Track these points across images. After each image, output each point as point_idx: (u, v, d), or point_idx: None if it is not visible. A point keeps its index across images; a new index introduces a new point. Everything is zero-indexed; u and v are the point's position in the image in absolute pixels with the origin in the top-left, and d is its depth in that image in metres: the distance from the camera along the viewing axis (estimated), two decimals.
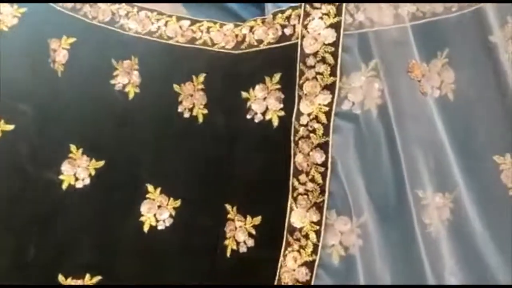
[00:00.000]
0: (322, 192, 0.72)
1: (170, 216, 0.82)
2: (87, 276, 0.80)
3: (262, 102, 0.77)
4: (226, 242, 0.78)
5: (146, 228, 0.81)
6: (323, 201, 0.71)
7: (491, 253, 0.71)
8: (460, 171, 0.72)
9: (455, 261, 0.69)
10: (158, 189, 0.83)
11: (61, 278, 0.80)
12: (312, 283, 0.70)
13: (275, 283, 0.73)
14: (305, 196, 0.73)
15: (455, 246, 0.71)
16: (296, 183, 0.74)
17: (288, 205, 0.74)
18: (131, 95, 0.86)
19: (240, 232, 0.77)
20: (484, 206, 0.73)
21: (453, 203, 0.73)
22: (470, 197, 0.72)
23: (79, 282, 0.80)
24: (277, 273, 0.73)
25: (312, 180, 0.72)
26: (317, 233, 0.71)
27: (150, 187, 0.83)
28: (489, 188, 0.74)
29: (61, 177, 0.84)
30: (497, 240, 0.71)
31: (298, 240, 0.72)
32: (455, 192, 0.72)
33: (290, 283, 0.71)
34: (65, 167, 0.85)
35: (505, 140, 0.74)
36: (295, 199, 0.74)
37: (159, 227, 0.82)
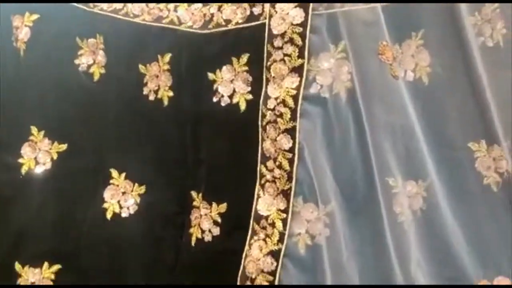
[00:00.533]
0: (290, 179, 0.69)
1: (135, 203, 0.79)
2: (46, 264, 0.77)
3: (229, 84, 0.73)
4: (191, 230, 0.75)
5: (109, 215, 0.78)
6: (290, 188, 0.69)
7: (463, 249, 0.69)
8: (433, 160, 0.70)
9: (423, 253, 0.67)
10: (123, 175, 0.79)
11: (17, 266, 0.77)
12: (277, 273, 0.68)
13: (240, 273, 0.70)
14: (273, 183, 0.70)
15: (424, 237, 0.69)
16: (263, 170, 0.71)
17: (255, 192, 0.71)
18: (96, 77, 0.82)
19: (205, 220, 0.74)
20: (458, 195, 0.71)
21: (427, 191, 0.70)
22: (442, 186, 0.70)
23: (36, 271, 0.77)
24: (242, 263, 0.70)
25: (280, 166, 0.69)
26: (284, 221, 0.69)
27: (114, 173, 0.80)
28: (463, 177, 0.72)
29: (20, 160, 0.81)
30: (469, 232, 0.69)
31: (264, 228, 0.70)
32: (428, 180, 0.70)
33: (254, 273, 0.69)
34: (25, 150, 0.81)
35: (479, 127, 0.72)
36: (262, 186, 0.71)
37: (123, 215, 0.78)
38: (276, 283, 0.68)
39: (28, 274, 0.76)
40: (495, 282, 0.67)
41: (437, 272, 0.67)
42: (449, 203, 0.70)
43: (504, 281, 0.66)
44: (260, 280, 0.68)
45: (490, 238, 0.69)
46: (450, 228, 0.69)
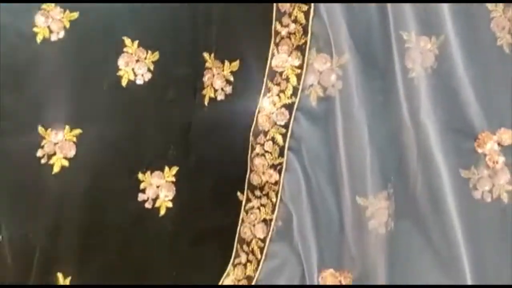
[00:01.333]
0: (305, 33, 0.69)
1: (149, 70, 0.80)
2: (67, 128, 0.79)
3: None
4: (204, 91, 0.77)
5: (124, 83, 0.79)
6: (305, 42, 0.69)
7: (471, 102, 0.69)
8: (451, 13, 0.69)
9: (432, 104, 0.68)
10: (136, 42, 0.80)
11: (41, 129, 0.79)
12: (290, 125, 0.70)
13: (252, 128, 0.72)
14: (288, 40, 0.70)
15: (435, 91, 0.69)
16: (278, 27, 0.71)
17: (270, 51, 0.71)
18: None
19: (217, 79, 0.75)
20: (471, 53, 0.70)
21: (439, 49, 0.70)
22: (456, 40, 0.69)
23: (59, 133, 0.79)
24: (255, 119, 0.72)
25: (295, 20, 0.69)
26: (298, 76, 0.70)
27: (127, 40, 0.80)
28: (478, 36, 0.71)
29: (34, 29, 0.81)
30: (478, 86, 0.69)
31: (278, 84, 0.71)
32: (442, 37, 0.69)
33: (267, 126, 0.71)
34: (38, 19, 0.81)
35: None
36: (277, 44, 0.71)
37: (138, 82, 0.79)
38: (289, 135, 0.70)
39: (51, 136, 0.79)
40: (498, 134, 0.68)
41: (445, 122, 0.68)
42: (462, 58, 0.69)
43: (506, 132, 0.68)
44: (273, 133, 0.71)
45: (497, 94, 0.69)
46: (460, 82, 0.69)
